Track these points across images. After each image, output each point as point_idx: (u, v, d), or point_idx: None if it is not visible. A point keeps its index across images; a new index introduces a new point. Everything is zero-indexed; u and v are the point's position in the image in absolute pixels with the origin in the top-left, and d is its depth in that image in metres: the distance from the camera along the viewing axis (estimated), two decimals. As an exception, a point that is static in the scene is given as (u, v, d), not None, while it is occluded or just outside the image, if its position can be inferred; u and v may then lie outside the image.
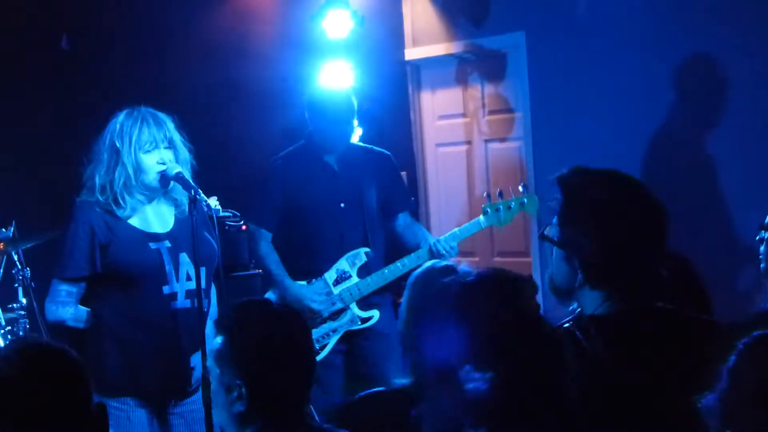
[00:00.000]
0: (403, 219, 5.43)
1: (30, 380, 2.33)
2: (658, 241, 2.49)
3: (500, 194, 5.28)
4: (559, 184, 2.50)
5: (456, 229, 5.27)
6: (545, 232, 2.54)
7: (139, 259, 4.04)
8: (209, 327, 4.16)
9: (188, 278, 4.10)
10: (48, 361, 2.38)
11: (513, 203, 5.26)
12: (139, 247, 4.05)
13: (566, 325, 2.45)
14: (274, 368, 2.73)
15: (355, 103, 5.29)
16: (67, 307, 4.10)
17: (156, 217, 4.15)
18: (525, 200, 5.27)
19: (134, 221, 4.10)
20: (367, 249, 5.23)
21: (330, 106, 5.21)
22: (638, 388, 2.38)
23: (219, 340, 2.81)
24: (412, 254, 5.20)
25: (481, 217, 5.27)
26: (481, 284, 2.41)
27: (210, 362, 2.85)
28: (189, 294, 4.09)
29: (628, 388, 2.37)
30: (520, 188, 5.29)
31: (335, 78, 6.61)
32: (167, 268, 4.06)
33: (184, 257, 4.10)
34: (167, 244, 4.10)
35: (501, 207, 5.25)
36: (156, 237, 4.11)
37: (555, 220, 2.51)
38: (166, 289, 4.06)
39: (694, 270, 3.13)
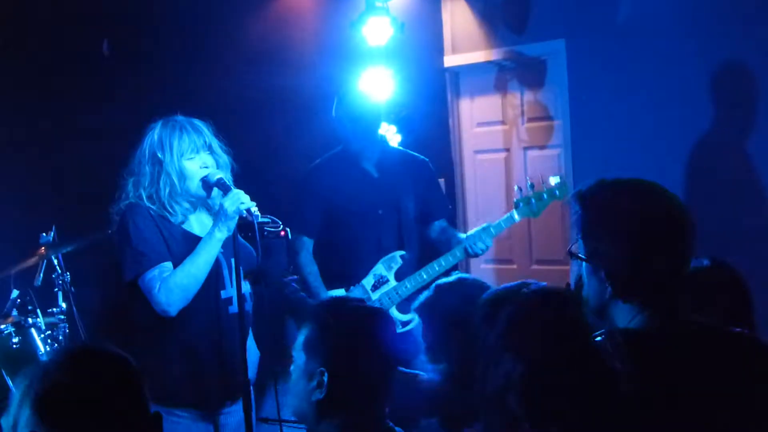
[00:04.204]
0: (438, 226, 5.42)
1: (85, 387, 2.24)
2: (681, 250, 2.43)
3: (531, 186, 5.25)
4: (577, 198, 2.47)
5: (490, 225, 5.19)
6: (571, 249, 2.50)
7: None
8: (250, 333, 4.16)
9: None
10: (103, 368, 2.30)
11: (545, 194, 5.23)
12: None
13: (598, 338, 2.36)
14: (359, 361, 2.80)
15: (379, 103, 5.27)
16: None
17: (200, 225, 4.12)
18: (557, 191, 5.25)
19: (186, 227, 4.05)
20: (402, 252, 5.22)
21: (349, 106, 5.26)
22: (670, 407, 2.31)
23: (310, 327, 2.89)
24: (448, 254, 5.16)
25: (514, 211, 5.24)
26: (536, 304, 2.38)
27: (295, 351, 2.90)
28: (240, 298, 4.07)
29: (658, 406, 2.30)
30: (552, 179, 5.27)
31: (366, 84, 6.60)
32: (224, 272, 4.03)
33: (233, 262, 4.06)
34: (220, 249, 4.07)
35: (533, 199, 5.22)
36: None
37: (579, 234, 2.48)
38: (224, 294, 4.02)
39: (737, 277, 3.06)
